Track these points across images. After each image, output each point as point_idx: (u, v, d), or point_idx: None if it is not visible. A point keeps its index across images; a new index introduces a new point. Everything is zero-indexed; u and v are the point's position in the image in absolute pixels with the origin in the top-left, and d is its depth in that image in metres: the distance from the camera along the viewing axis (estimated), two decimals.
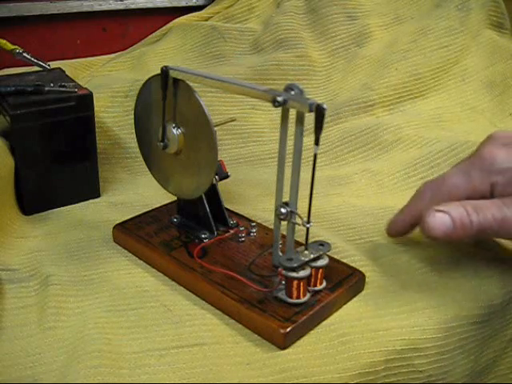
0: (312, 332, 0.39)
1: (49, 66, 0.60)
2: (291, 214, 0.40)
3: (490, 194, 0.42)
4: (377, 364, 0.37)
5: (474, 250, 0.48)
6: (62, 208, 0.55)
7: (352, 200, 0.57)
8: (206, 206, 0.47)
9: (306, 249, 0.39)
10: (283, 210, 0.40)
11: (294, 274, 0.38)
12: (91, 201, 0.56)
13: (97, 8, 0.82)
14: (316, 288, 0.40)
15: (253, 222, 0.50)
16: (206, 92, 0.67)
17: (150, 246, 0.46)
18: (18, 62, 0.61)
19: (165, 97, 0.44)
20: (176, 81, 0.43)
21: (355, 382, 0.36)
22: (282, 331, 0.37)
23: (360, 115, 0.72)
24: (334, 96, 0.76)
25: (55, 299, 0.41)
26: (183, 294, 0.43)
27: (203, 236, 0.47)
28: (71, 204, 0.55)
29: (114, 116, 0.64)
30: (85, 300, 0.42)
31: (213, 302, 0.41)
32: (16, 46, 0.61)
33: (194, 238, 0.47)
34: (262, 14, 0.85)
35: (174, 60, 0.78)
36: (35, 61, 0.60)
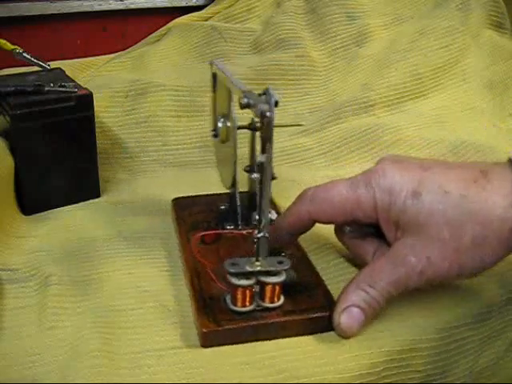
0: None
1: (49, 65, 0.60)
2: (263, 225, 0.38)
3: (374, 211, 0.38)
4: (377, 364, 0.37)
5: None
6: (61, 208, 0.55)
7: None
8: (237, 199, 0.48)
9: (257, 260, 0.38)
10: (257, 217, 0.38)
11: (234, 280, 0.37)
12: (91, 201, 0.56)
13: (97, 8, 0.81)
14: (266, 304, 0.39)
15: None
16: None
17: (181, 223, 0.48)
18: (18, 61, 0.61)
19: (214, 89, 0.45)
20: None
21: (355, 382, 0.36)
22: (203, 330, 0.37)
23: (360, 115, 0.72)
24: (333, 96, 0.76)
25: (55, 299, 0.41)
26: (183, 294, 0.43)
27: (227, 226, 0.48)
28: (71, 204, 0.55)
29: (114, 116, 0.64)
30: (85, 300, 0.42)
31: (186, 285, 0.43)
32: (16, 46, 0.61)
33: (219, 226, 0.48)
34: (262, 13, 0.85)
35: (174, 60, 0.78)
36: (35, 61, 0.60)
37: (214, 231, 0.47)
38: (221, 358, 0.36)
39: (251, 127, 0.46)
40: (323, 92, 0.76)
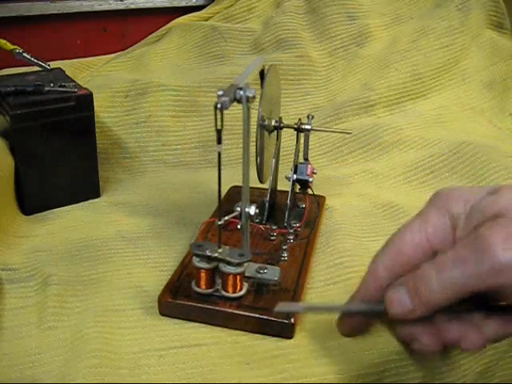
0: (312, 333, 0.39)
1: (49, 66, 0.60)
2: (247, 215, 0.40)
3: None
4: (377, 364, 0.37)
5: None
6: (61, 208, 0.55)
7: (353, 200, 0.58)
8: (268, 195, 0.50)
9: (219, 247, 0.39)
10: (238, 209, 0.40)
11: (195, 261, 0.39)
12: (91, 201, 0.56)
13: (97, 8, 0.81)
14: (223, 292, 0.40)
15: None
16: None
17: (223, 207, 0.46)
18: (18, 61, 0.61)
19: (262, 85, 0.45)
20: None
21: (355, 382, 0.36)
22: (160, 298, 0.40)
23: (360, 115, 0.72)
24: (334, 96, 0.76)
25: (55, 299, 0.41)
26: None
27: (256, 220, 0.48)
28: (71, 204, 0.55)
29: (113, 116, 0.64)
30: (85, 300, 0.42)
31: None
32: (16, 46, 0.61)
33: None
34: (262, 13, 0.85)
35: (174, 60, 0.78)
36: (35, 61, 0.60)
37: (236, 220, 0.46)
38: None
39: (295, 128, 0.49)
40: (323, 92, 0.76)
